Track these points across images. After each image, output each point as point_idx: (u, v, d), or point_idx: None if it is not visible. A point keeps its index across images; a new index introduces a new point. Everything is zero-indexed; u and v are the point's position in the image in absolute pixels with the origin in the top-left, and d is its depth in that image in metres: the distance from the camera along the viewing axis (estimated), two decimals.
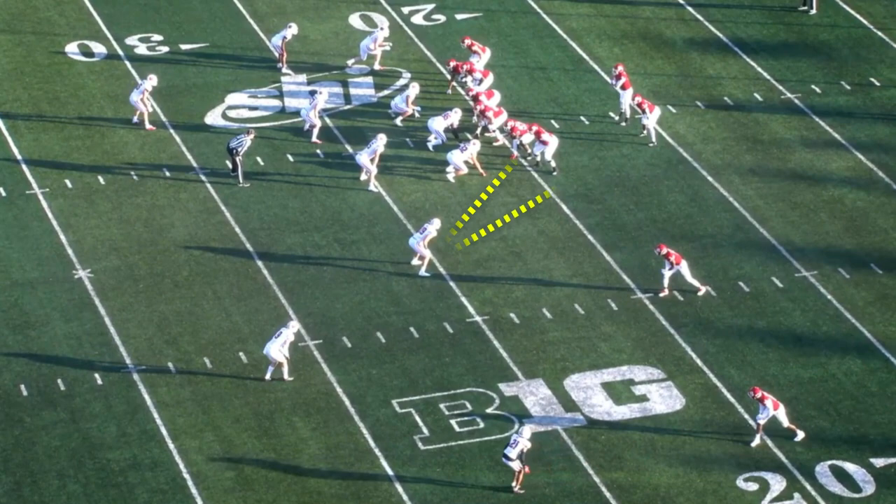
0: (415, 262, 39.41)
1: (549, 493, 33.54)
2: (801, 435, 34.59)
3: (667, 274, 38.55)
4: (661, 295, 38.60)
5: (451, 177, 42.76)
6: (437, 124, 43.50)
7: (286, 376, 36.03)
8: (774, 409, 34.31)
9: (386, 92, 46.40)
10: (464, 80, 45.39)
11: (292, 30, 46.61)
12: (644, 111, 43.77)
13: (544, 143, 42.57)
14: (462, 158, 42.49)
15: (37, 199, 42.08)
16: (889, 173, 43.51)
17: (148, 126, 44.34)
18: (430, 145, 43.73)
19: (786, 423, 34.51)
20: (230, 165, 42.66)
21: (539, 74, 46.81)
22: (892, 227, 41.60)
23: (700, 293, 38.49)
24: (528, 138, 42.82)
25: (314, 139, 44.00)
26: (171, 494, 33.50)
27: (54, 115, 45.07)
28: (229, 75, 46.81)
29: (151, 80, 44.32)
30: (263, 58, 47.52)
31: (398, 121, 44.46)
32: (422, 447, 34.79)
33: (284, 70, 46.69)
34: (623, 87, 44.55)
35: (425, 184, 42.90)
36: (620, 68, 44.88)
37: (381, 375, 36.54)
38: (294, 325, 36.29)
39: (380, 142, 42.41)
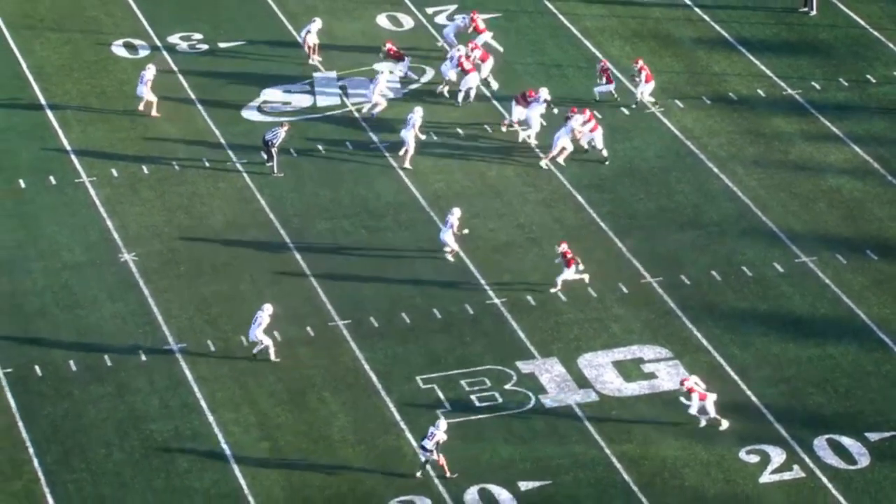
0: (449, 257, 39.21)
1: (563, 464, 33.63)
2: (724, 425, 34.35)
3: (566, 273, 38.12)
4: (553, 290, 38.19)
5: (561, 159, 42.50)
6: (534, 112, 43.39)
7: (273, 357, 35.99)
8: (701, 400, 34.21)
9: (412, 87, 46.39)
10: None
11: (316, 24, 46.64)
12: (641, 80, 44.16)
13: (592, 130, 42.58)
14: (567, 138, 42.33)
15: (85, 187, 42.21)
16: (884, 165, 43.45)
17: (154, 114, 44.27)
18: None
19: (712, 413, 34.25)
20: (265, 156, 42.77)
21: (555, 71, 46.82)
22: (886, 216, 41.56)
23: (552, 290, 38.11)
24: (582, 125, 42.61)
25: (373, 113, 44.23)
26: (210, 463, 33.66)
27: (101, 109, 45.15)
28: (264, 72, 46.85)
29: (151, 70, 44.26)
30: (296, 55, 47.56)
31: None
32: (444, 420, 34.89)
33: (312, 62, 46.59)
34: (645, 80, 44.64)
35: (448, 174, 42.93)
36: (641, 62, 44.90)
37: (405, 353, 36.65)
38: (269, 308, 36.03)
39: (416, 115, 42.36)
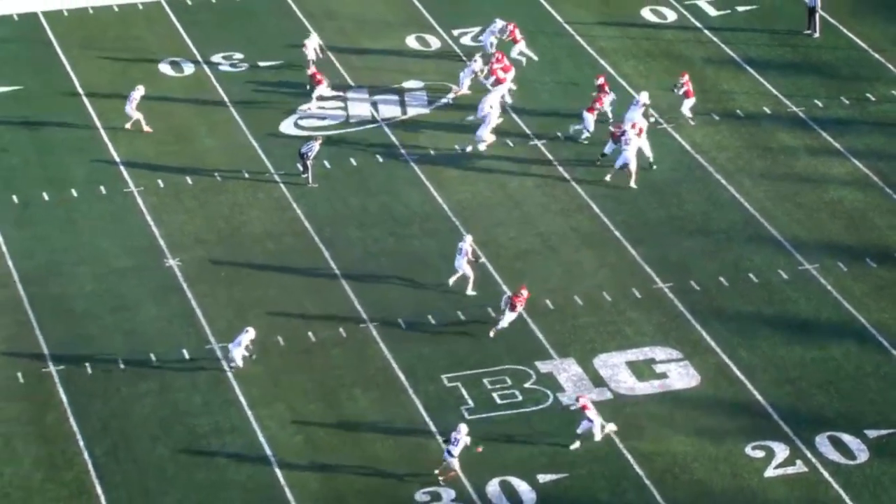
0: (451, 280, 38.26)
1: (578, 458, 33.51)
2: (576, 444, 33.49)
3: (508, 316, 36.47)
4: (492, 334, 36.56)
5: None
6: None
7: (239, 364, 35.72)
8: (589, 421, 33.31)
9: (438, 104, 46.36)
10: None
11: (313, 40, 46.49)
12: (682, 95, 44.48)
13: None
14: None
15: (133, 196, 42.25)
16: (883, 178, 43.24)
17: (146, 128, 44.04)
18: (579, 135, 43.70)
19: (598, 436, 33.31)
20: (301, 168, 42.73)
21: (572, 89, 46.71)
22: (886, 226, 41.35)
23: (490, 334, 36.54)
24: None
25: (462, 90, 45.03)
26: (248, 456, 33.64)
27: (148, 124, 45.17)
28: (301, 88, 46.86)
29: (139, 91, 44.11)
30: (331, 75, 47.50)
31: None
32: (467, 416, 34.80)
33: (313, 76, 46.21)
34: (686, 95, 44.41)
35: (472, 185, 42.85)
36: (686, 77, 44.72)
37: (431, 353, 36.56)
38: (251, 332, 35.52)
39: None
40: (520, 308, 36.54)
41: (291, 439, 34.07)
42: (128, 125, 44.18)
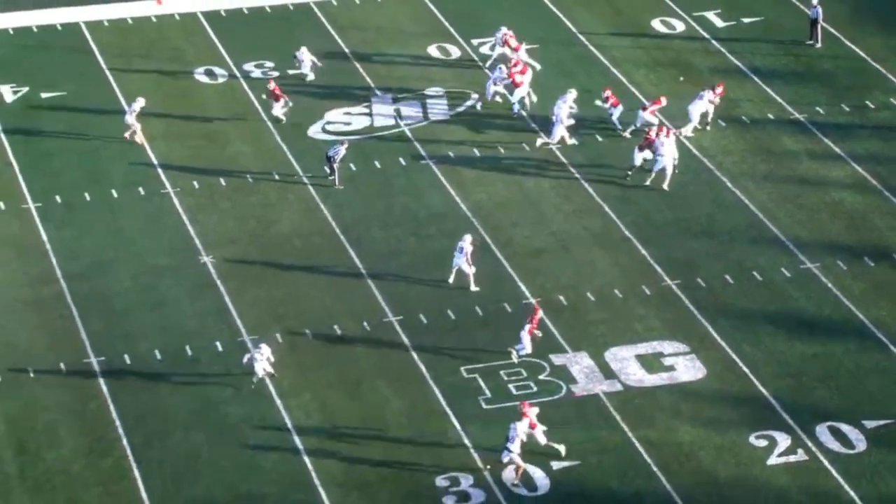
0: (451, 279, 38.19)
1: (590, 447, 33.52)
2: (563, 450, 33.01)
3: (526, 339, 35.61)
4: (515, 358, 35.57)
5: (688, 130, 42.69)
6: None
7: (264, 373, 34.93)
8: (531, 428, 32.43)
9: (458, 110, 46.39)
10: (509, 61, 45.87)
11: (302, 53, 46.36)
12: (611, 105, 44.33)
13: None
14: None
15: (169, 197, 42.36)
16: (881, 181, 43.12)
17: (138, 141, 43.59)
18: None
19: (542, 442, 32.62)
20: (328, 170, 42.82)
21: (585, 96, 46.64)
22: (884, 227, 41.25)
23: (513, 358, 35.57)
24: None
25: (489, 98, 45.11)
26: (278, 444, 33.74)
27: (184, 128, 45.32)
28: (328, 96, 46.90)
29: (140, 103, 43.77)
30: (356, 82, 47.60)
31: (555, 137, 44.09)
32: (485, 407, 34.85)
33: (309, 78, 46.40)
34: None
35: (489, 186, 42.86)
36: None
37: (451, 347, 36.59)
38: (265, 349, 34.76)
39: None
40: (535, 330, 35.58)
41: (318, 427, 34.14)
42: (126, 135, 43.71)
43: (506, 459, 32.39)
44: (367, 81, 47.61)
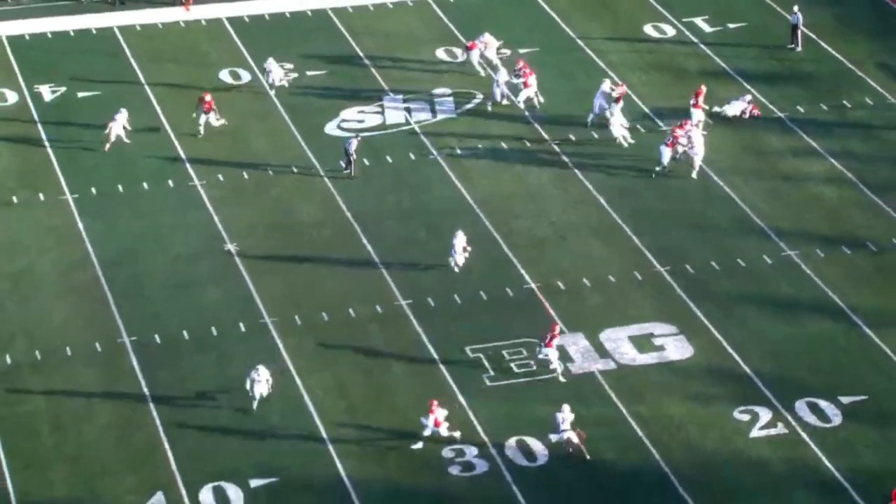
0: (456, 268, 38.18)
1: (586, 421, 33.53)
2: (457, 435, 32.64)
3: (552, 354, 34.50)
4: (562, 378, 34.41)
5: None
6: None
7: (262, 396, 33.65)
8: (436, 426, 32.40)
9: (464, 108, 46.44)
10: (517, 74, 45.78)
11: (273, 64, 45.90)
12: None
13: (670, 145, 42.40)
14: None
15: (197, 189, 42.43)
16: (857, 176, 43.12)
17: (107, 146, 42.60)
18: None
19: (444, 433, 32.42)
20: (343, 164, 42.88)
21: (585, 96, 46.69)
22: (859, 217, 41.27)
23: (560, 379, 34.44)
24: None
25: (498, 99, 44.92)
26: (297, 417, 33.88)
27: (208, 126, 45.19)
28: (343, 95, 46.96)
29: (123, 115, 43.07)
30: (370, 83, 47.64)
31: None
32: (488, 384, 34.96)
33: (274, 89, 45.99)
34: (524, 85, 44.74)
35: (494, 180, 42.91)
36: (522, 63, 45.15)
37: (457, 328, 36.70)
38: (263, 371, 33.50)
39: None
40: (555, 343, 34.58)
41: (334, 403, 34.26)
42: (107, 147, 42.69)
43: (562, 439, 32.36)
44: (379, 82, 47.64)
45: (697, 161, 42.43)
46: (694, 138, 42.50)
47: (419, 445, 32.65)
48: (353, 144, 42.38)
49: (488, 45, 47.64)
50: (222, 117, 44.11)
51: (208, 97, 44.00)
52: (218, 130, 44.87)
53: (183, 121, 45.22)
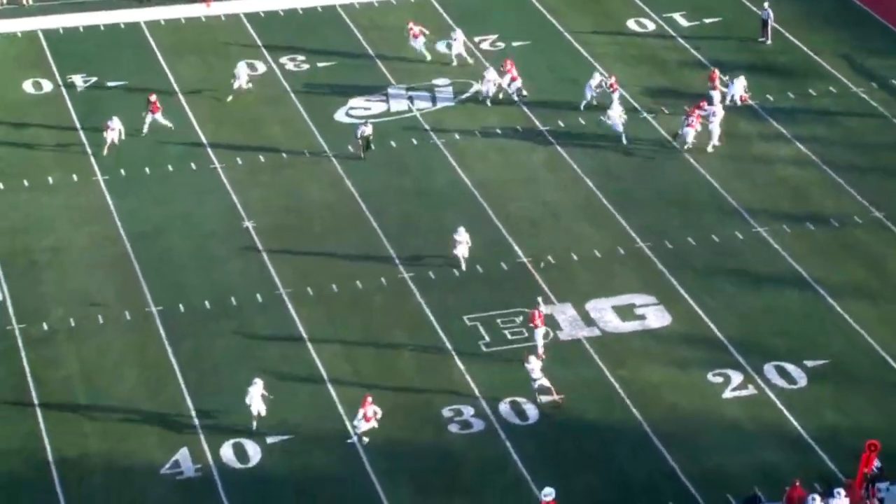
0: (463, 265, 37.03)
1: (573, 383, 33.73)
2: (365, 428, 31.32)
3: (537, 334, 33.87)
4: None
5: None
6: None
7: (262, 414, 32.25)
8: (367, 421, 31.20)
9: (462, 97, 46.33)
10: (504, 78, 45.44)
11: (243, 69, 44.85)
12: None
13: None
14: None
15: (217, 172, 42.35)
16: (822, 159, 43.08)
17: (105, 151, 41.42)
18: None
19: (362, 428, 31.08)
20: (352, 149, 42.74)
21: (573, 86, 46.53)
22: (822, 197, 41.27)
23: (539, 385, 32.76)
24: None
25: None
26: (310, 379, 33.97)
27: (228, 113, 45.19)
28: (351, 85, 46.84)
29: (116, 121, 41.89)
30: (375, 73, 47.48)
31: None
32: (484, 350, 35.03)
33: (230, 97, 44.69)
34: (511, 80, 44.19)
35: (490, 164, 42.82)
36: (509, 64, 44.81)
37: (455, 299, 36.72)
38: (259, 383, 32.08)
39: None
40: (541, 324, 33.83)
41: (342, 367, 34.33)
42: (105, 151, 41.76)
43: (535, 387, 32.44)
44: (384, 72, 47.49)
45: (715, 136, 42.44)
46: (716, 114, 42.35)
47: (353, 440, 31.43)
48: (360, 129, 42.30)
49: (457, 41, 47.29)
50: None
51: (153, 97, 43.00)
52: (238, 119, 44.77)
53: (203, 108, 45.10)
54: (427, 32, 47.73)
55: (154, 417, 32.81)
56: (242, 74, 45.60)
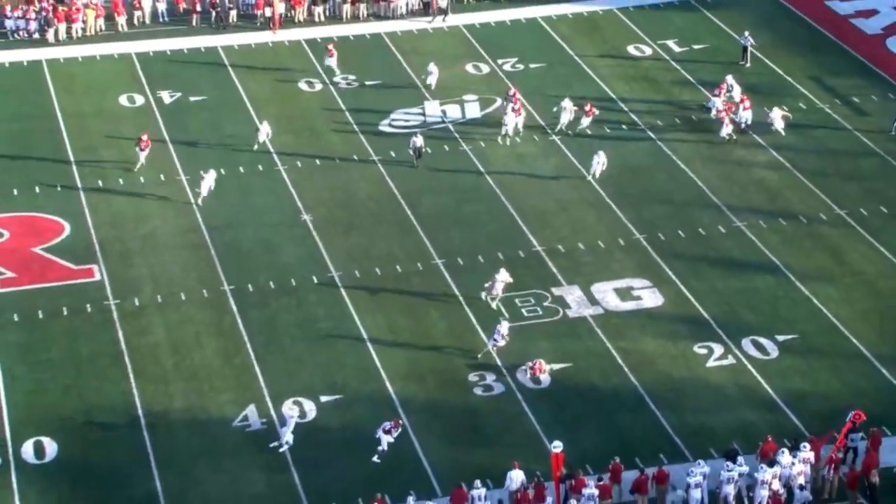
0: (495, 298, 34.58)
1: (580, 353, 33.64)
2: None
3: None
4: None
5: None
6: None
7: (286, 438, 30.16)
8: (385, 433, 29.19)
9: (488, 110, 46.03)
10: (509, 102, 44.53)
11: (265, 126, 42.58)
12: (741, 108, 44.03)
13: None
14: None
15: (280, 172, 42.29)
16: (792, 164, 42.59)
17: (136, 167, 40.24)
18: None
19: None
20: (412, 153, 41.88)
21: (580, 102, 46.01)
22: (793, 197, 40.85)
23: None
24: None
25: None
26: (357, 349, 33.96)
27: (290, 125, 45.16)
28: (393, 100, 46.67)
29: (145, 140, 41.04)
30: (414, 90, 47.22)
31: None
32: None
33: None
34: (516, 113, 42.85)
35: (509, 166, 42.45)
36: (514, 92, 43.87)
37: (479, 281, 36.52)
38: (295, 414, 30.15)
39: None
40: (541, 375, 32.03)
41: (385, 337, 34.29)
42: (136, 168, 40.83)
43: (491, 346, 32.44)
44: (421, 89, 47.31)
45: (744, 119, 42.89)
46: (744, 105, 42.70)
47: (376, 458, 29.65)
48: (412, 140, 41.82)
49: (432, 74, 46.37)
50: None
51: (145, 137, 41.80)
52: (298, 128, 44.67)
53: (271, 118, 45.06)
54: (335, 53, 46.93)
55: (227, 378, 32.88)
56: (263, 130, 42.81)
